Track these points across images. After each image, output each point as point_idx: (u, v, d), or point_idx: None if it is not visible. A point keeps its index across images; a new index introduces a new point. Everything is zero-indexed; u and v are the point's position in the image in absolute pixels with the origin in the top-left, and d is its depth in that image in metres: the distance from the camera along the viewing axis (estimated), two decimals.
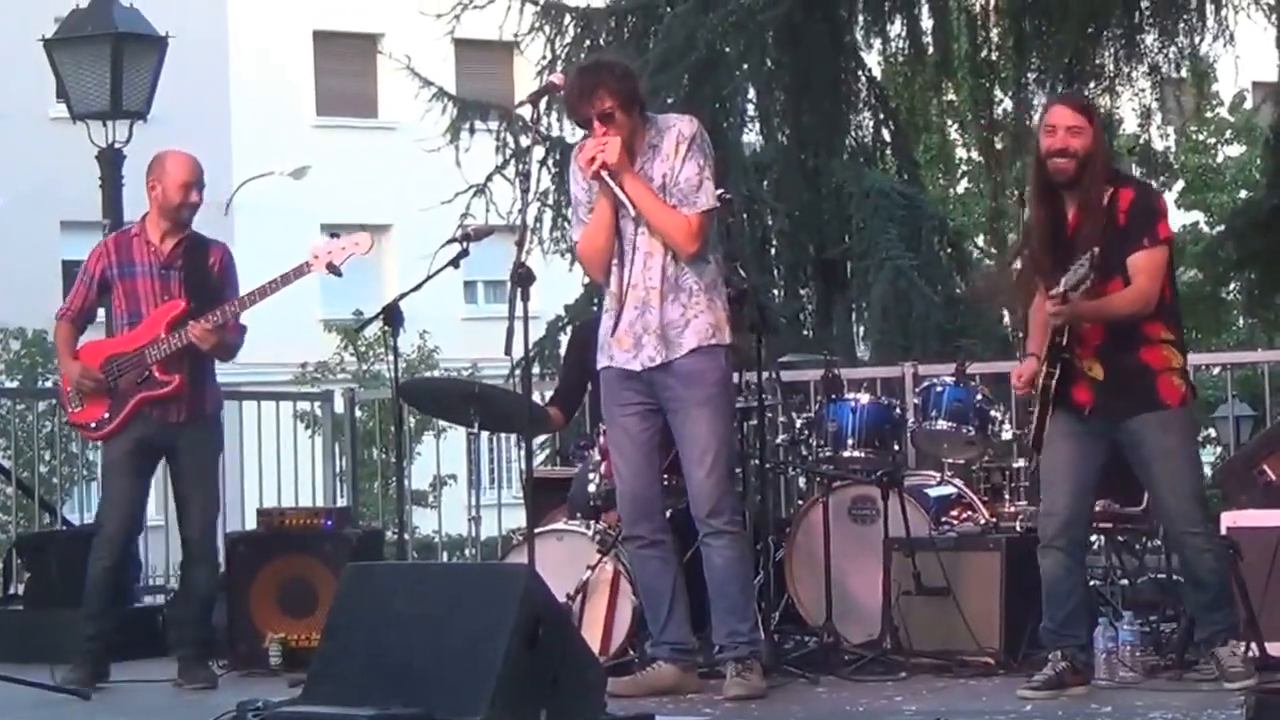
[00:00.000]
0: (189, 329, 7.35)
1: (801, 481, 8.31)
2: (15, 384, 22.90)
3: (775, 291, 13.53)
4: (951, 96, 16.74)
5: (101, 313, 7.73)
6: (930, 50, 14.32)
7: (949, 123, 18.04)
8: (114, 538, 7.54)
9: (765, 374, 7.42)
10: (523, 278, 6.49)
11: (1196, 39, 13.90)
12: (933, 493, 7.82)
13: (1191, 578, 6.56)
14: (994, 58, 14.75)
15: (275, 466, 10.15)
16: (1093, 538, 7.65)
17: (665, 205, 6.56)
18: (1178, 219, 6.50)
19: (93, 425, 7.54)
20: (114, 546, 7.53)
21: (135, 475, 7.57)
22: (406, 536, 8.70)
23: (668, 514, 7.09)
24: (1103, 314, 6.35)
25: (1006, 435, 7.85)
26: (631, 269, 6.59)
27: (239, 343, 7.59)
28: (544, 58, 13.97)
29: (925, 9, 14.14)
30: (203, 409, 7.56)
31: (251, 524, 8.53)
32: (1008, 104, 15.00)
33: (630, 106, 6.56)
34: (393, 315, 7.44)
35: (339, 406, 10.59)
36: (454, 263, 7.38)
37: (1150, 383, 6.40)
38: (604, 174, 6.52)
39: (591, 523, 7.33)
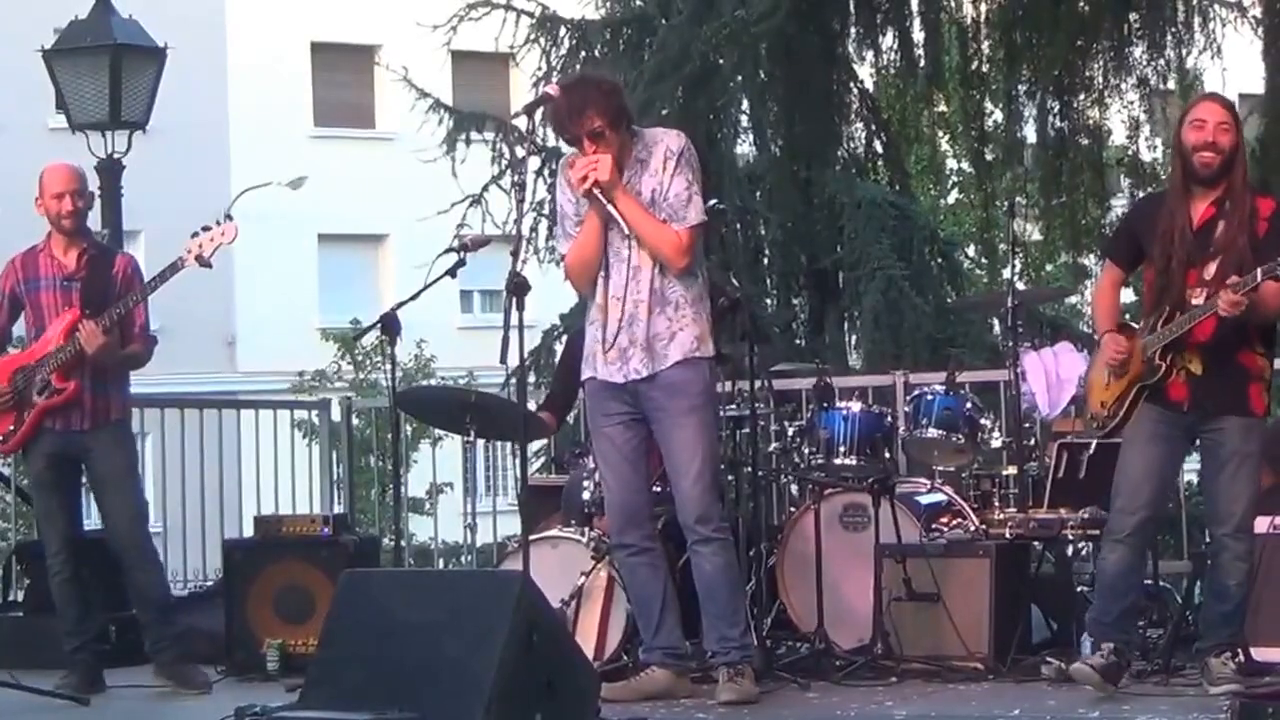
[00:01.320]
0: (79, 329, 7.38)
1: (793, 489, 8.34)
2: None
3: (768, 301, 13.61)
4: (943, 108, 16.81)
5: None
6: (922, 62, 14.37)
7: (940, 134, 18.11)
8: (60, 552, 7.57)
9: (757, 382, 7.47)
10: (518, 287, 6.55)
11: (1184, 51, 13.97)
12: (923, 500, 7.87)
13: (1217, 585, 6.57)
14: (985, 70, 14.80)
15: (273, 474, 10.21)
16: (1081, 544, 7.73)
17: (656, 220, 6.61)
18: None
19: (1, 439, 7.57)
20: (63, 559, 7.56)
21: (59, 489, 7.61)
22: (403, 543, 8.76)
23: (660, 522, 7.17)
24: (1258, 312, 6.34)
25: (996, 443, 7.92)
26: (619, 282, 6.65)
27: (146, 353, 7.60)
28: (539, 69, 14.05)
29: (917, 22, 14.21)
30: (108, 415, 7.54)
31: (249, 531, 8.60)
32: (998, 115, 15.06)
33: (619, 123, 6.61)
34: (390, 324, 7.50)
35: (336, 415, 10.64)
36: (450, 272, 7.45)
37: (1243, 387, 6.44)
38: (596, 191, 6.59)
39: (586, 529, 7.37)
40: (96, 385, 7.51)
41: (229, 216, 7.64)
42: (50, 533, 7.63)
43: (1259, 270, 6.21)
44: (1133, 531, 6.50)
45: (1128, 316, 6.97)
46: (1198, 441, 6.59)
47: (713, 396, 6.84)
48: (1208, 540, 6.99)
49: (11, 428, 7.53)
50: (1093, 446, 7.50)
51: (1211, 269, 6.42)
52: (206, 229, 7.56)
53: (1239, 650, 6.55)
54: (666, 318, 6.64)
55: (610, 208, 6.58)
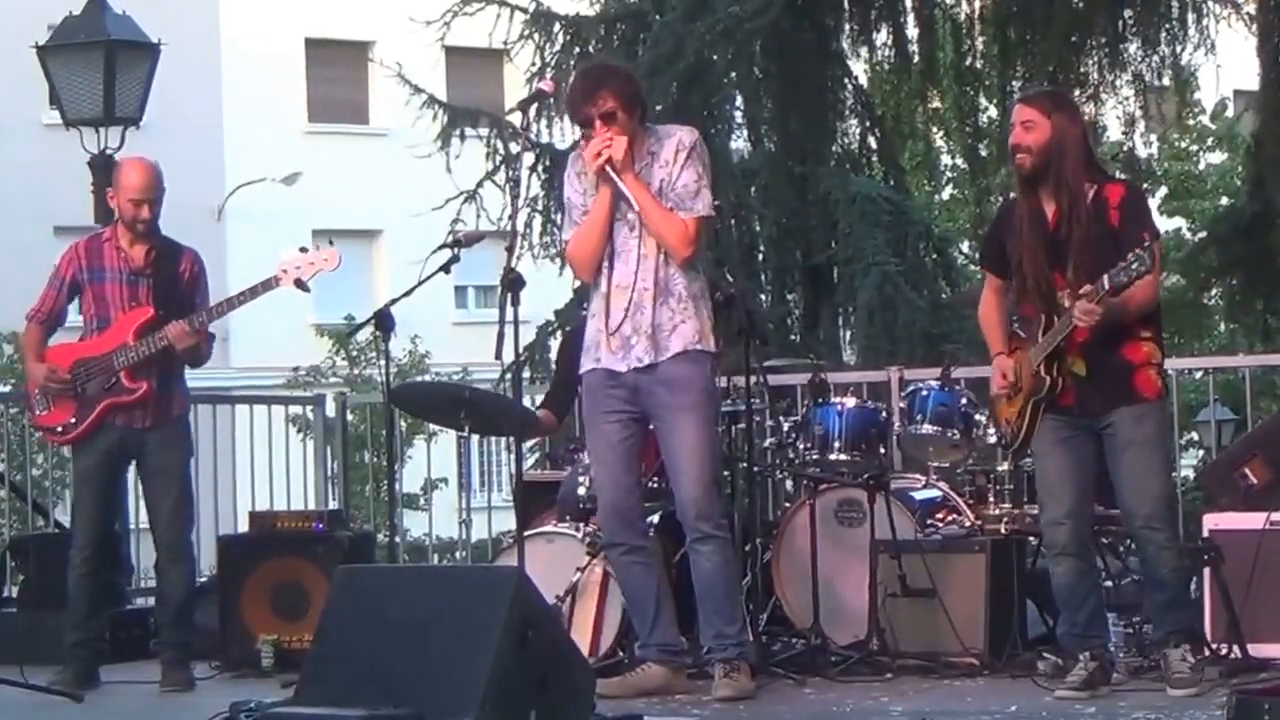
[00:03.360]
0: (168, 329, 7.36)
1: (789, 484, 8.35)
2: (8, 388, 22.91)
3: (763, 296, 13.60)
4: (937, 104, 16.80)
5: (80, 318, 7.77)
6: (916, 58, 14.39)
7: (934, 130, 18.10)
8: (87, 547, 7.56)
9: (753, 378, 7.48)
10: (513, 283, 6.56)
11: (1178, 48, 13.98)
12: (918, 495, 7.88)
13: (1151, 576, 6.57)
14: (979, 66, 14.82)
15: (267, 470, 10.19)
16: None
17: (664, 207, 6.63)
18: (1160, 225, 6.57)
19: (59, 429, 7.55)
20: (88, 555, 7.56)
21: (105, 485, 7.60)
22: (397, 539, 8.77)
23: (657, 517, 7.17)
24: (1126, 311, 6.33)
25: (991, 439, 7.90)
26: (624, 271, 6.64)
27: (209, 350, 7.62)
28: (533, 65, 14.05)
29: (911, 18, 14.22)
30: (169, 413, 7.56)
31: (244, 527, 8.59)
32: (992, 111, 15.07)
33: (633, 109, 6.63)
34: (384, 320, 7.50)
35: (331, 410, 10.64)
36: (445, 268, 7.44)
37: (1129, 377, 6.41)
38: (608, 169, 6.58)
39: (581, 525, 7.38)
40: (161, 384, 7.51)
41: (330, 241, 7.58)
42: (82, 526, 7.61)
43: (1105, 278, 6.18)
44: (1068, 541, 6.50)
45: None
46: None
47: (714, 393, 6.85)
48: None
49: (72, 420, 7.50)
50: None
51: (1071, 269, 6.40)
52: (304, 250, 7.55)
53: (1196, 639, 6.51)
54: (670, 309, 6.65)
55: (622, 186, 6.58)
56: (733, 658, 6.68)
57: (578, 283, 13.39)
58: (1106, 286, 6.18)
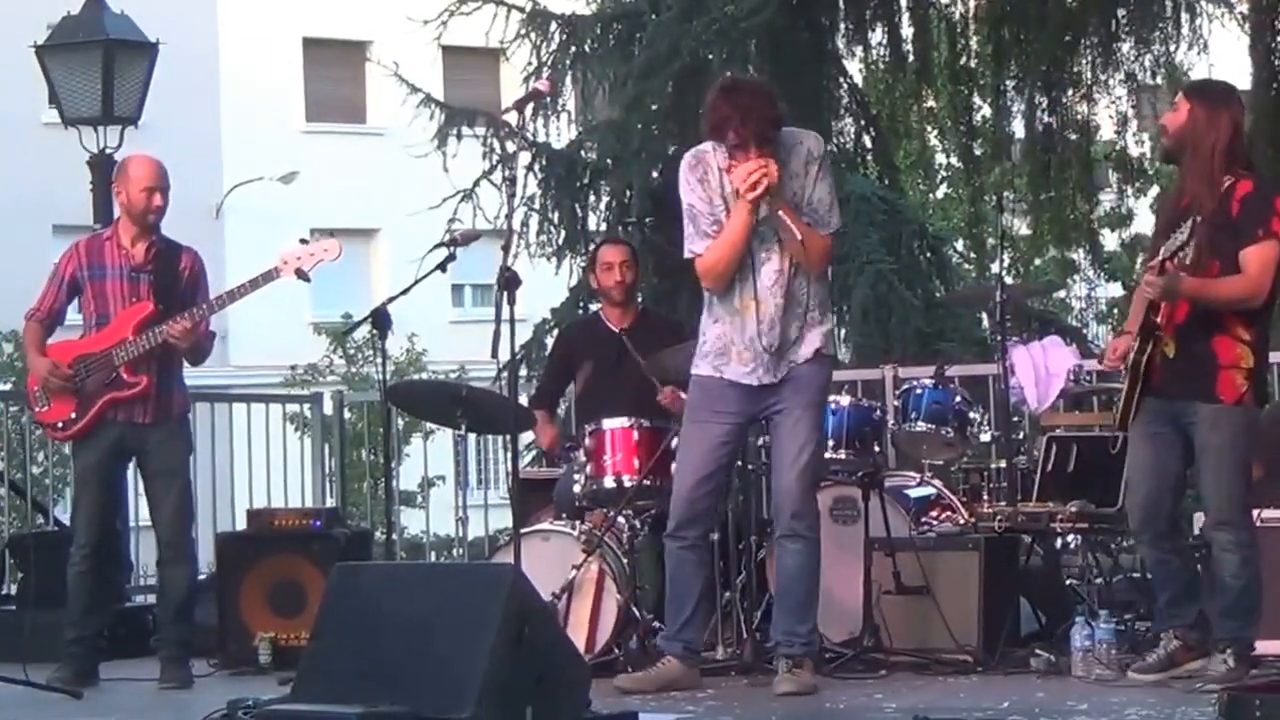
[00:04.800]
0: (167, 327, 7.40)
1: None
2: (8, 386, 22.94)
3: None
4: (931, 103, 16.83)
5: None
6: (910, 58, 14.42)
7: (929, 129, 18.14)
8: (87, 544, 7.57)
9: None
10: (509, 282, 6.59)
11: (1172, 47, 14.03)
12: (912, 493, 7.92)
13: (1216, 580, 6.59)
14: (973, 65, 14.84)
15: (265, 468, 10.23)
16: (1070, 537, 7.77)
17: (814, 231, 6.64)
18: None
19: (59, 425, 7.57)
20: (88, 552, 7.57)
21: (106, 483, 7.62)
22: (395, 537, 8.79)
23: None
24: (1207, 294, 6.35)
25: (985, 437, 7.96)
26: (760, 285, 6.66)
27: (209, 347, 7.66)
28: (530, 64, 14.06)
29: (905, 17, 14.25)
30: (170, 410, 7.58)
31: (241, 524, 8.61)
32: (986, 111, 15.11)
33: (779, 129, 6.63)
34: (381, 319, 7.53)
35: (328, 408, 10.67)
36: (441, 267, 7.47)
37: (1210, 373, 6.40)
38: (765, 199, 6.56)
39: (577, 523, 7.42)
40: (161, 379, 7.53)
41: (331, 233, 7.62)
42: (83, 524, 7.63)
43: (1162, 248, 6.27)
44: (1140, 529, 6.59)
45: None
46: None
47: (828, 395, 6.93)
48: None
49: (72, 415, 7.52)
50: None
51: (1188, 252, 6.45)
52: (305, 242, 7.59)
53: (1245, 649, 6.49)
54: (799, 319, 6.70)
55: (784, 218, 6.56)
56: (799, 655, 6.72)
57: (574, 281, 13.47)
58: (1160, 257, 6.26)
